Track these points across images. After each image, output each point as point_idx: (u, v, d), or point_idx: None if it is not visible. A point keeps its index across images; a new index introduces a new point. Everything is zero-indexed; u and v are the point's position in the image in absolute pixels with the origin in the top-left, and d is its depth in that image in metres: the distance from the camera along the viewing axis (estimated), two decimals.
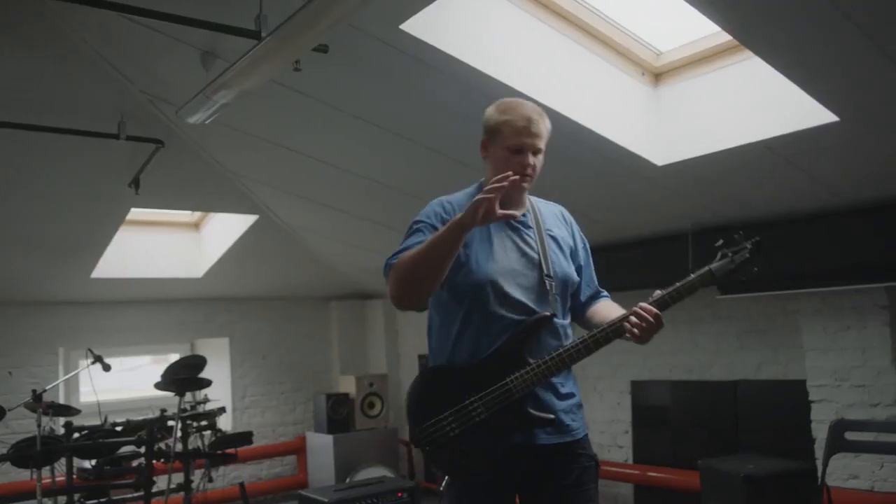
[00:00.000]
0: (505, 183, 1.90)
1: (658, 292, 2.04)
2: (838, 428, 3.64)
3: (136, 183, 4.42)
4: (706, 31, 3.49)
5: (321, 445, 6.38)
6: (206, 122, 3.42)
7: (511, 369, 2.03)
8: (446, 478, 2.10)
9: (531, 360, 2.03)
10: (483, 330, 2.08)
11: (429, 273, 2.00)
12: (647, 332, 2.00)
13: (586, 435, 2.21)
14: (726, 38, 3.40)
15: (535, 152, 2.14)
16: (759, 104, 3.30)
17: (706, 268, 2.05)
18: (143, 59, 3.62)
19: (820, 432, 4.06)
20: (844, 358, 4.00)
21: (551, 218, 2.28)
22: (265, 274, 6.46)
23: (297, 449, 6.86)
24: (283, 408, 7.11)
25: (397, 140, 3.94)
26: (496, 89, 3.28)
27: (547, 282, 2.11)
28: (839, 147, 3.21)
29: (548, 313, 2.09)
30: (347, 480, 5.87)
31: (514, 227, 2.18)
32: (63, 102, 3.85)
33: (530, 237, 2.18)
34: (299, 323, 7.27)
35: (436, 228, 2.07)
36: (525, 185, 2.15)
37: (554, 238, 2.23)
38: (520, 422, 2.05)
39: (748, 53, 3.30)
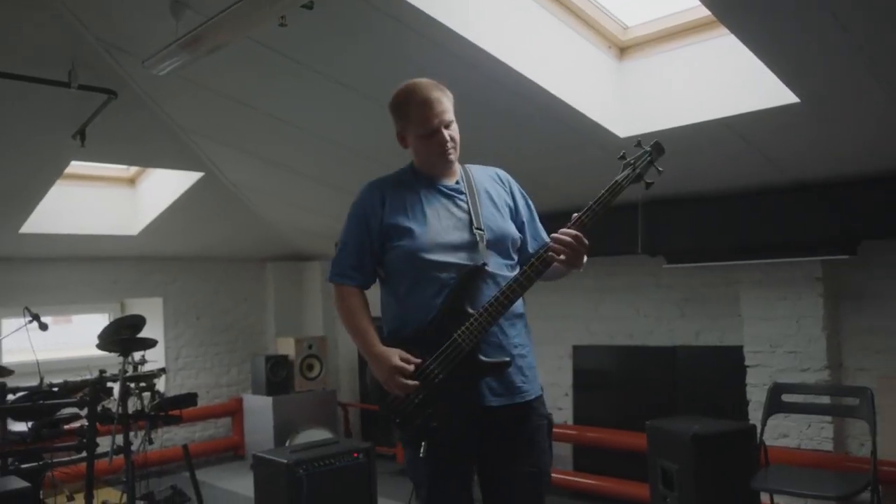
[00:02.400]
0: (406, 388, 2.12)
1: (575, 215, 2.13)
2: (776, 391, 3.88)
3: (81, 135, 4.21)
4: (673, 8, 3.59)
5: (259, 407, 6.33)
6: (172, 74, 3.30)
7: (456, 325, 2.12)
8: (423, 444, 2.13)
9: (472, 312, 2.12)
10: (426, 294, 2.17)
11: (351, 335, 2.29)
12: (572, 254, 2.09)
13: (540, 395, 2.32)
14: (692, 15, 3.52)
15: (447, 126, 2.26)
16: (721, 83, 3.42)
17: (613, 181, 2.15)
18: (103, 4, 3.44)
19: (754, 395, 4.34)
20: (780, 326, 4.27)
21: (485, 180, 2.38)
22: (203, 233, 6.30)
23: (234, 411, 6.78)
24: (218, 369, 7.00)
25: (362, 101, 3.89)
26: (468, 51, 3.29)
27: (477, 234, 2.20)
28: (795, 128, 3.38)
29: (479, 263, 2.17)
30: (287, 442, 5.85)
31: (448, 194, 2.28)
32: (10, 45, 3.61)
33: (462, 201, 2.28)
34: (235, 284, 7.14)
35: (367, 223, 2.25)
36: (451, 157, 2.28)
37: (489, 196, 2.32)
38: (476, 372, 2.14)
39: (713, 32, 3.43)
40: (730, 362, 4.53)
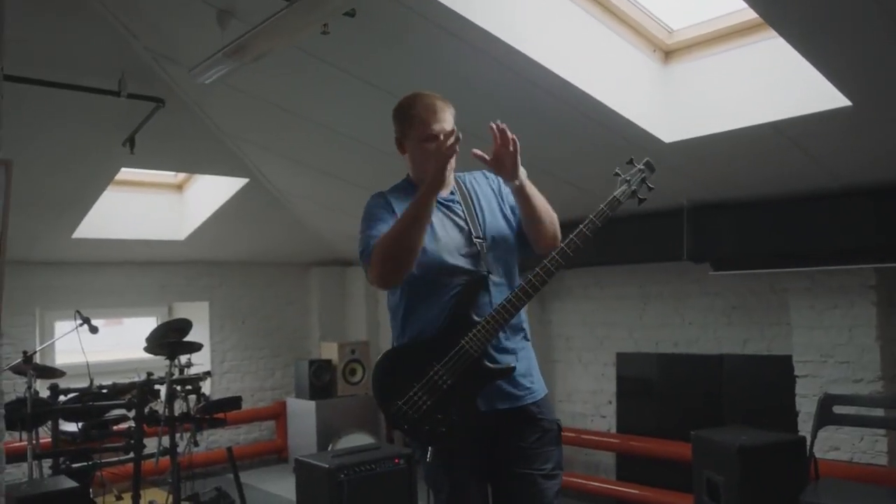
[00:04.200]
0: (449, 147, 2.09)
1: (581, 227, 2.17)
2: (827, 402, 3.77)
3: (131, 142, 4.32)
4: (718, 11, 3.53)
5: (303, 411, 6.39)
6: (217, 82, 3.36)
7: (463, 333, 2.15)
8: (429, 450, 2.19)
9: (478, 319, 2.15)
10: (440, 303, 2.20)
11: (414, 240, 2.11)
12: (506, 156, 2.16)
13: (545, 396, 2.33)
14: (738, 19, 3.45)
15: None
16: (768, 86, 3.35)
17: (612, 196, 2.22)
18: (151, 14, 3.52)
19: (804, 406, 4.22)
20: (831, 335, 4.15)
21: (475, 184, 2.40)
22: (249, 238, 6.40)
23: (277, 414, 6.86)
24: (262, 373, 7.08)
25: None
26: (510, 56, 3.27)
27: (477, 243, 2.25)
28: (847, 131, 3.29)
29: (482, 272, 2.22)
30: (330, 447, 5.90)
31: (447, 205, 2.31)
32: (63, 56, 3.72)
33: (459, 211, 2.31)
34: (279, 288, 7.23)
35: (391, 213, 2.21)
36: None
37: (484, 200, 2.35)
38: (483, 378, 2.17)
39: (759, 35, 3.36)
40: (778, 372, 4.42)
